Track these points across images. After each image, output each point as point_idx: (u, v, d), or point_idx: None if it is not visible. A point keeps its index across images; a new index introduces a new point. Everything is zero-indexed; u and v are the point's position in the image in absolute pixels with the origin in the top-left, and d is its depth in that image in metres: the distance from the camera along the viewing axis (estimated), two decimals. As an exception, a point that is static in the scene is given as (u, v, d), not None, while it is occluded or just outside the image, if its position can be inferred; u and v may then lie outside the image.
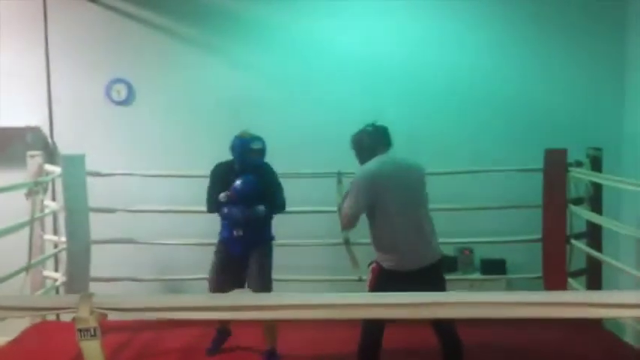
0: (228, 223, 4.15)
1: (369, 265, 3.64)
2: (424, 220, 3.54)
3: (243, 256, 4.13)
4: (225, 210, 4.08)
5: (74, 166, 4.80)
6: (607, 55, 5.56)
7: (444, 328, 3.55)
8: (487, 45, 5.59)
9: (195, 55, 5.69)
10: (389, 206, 3.44)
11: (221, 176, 4.15)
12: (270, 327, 4.18)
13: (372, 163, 3.52)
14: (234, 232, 4.13)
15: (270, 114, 5.56)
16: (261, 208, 4.09)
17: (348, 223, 3.56)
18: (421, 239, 3.48)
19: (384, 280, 3.46)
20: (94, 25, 5.66)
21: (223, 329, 4.39)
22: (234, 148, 4.13)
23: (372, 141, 3.61)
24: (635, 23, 5.42)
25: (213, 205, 4.15)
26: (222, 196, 4.06)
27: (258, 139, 4.13)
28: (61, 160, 4.95)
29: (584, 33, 5.55)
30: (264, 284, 4.09)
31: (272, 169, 4.23)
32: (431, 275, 3.45)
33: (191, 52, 5.69)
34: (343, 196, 3.72)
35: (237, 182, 4.02)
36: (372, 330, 3.50)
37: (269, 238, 4.25)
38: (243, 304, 2.02)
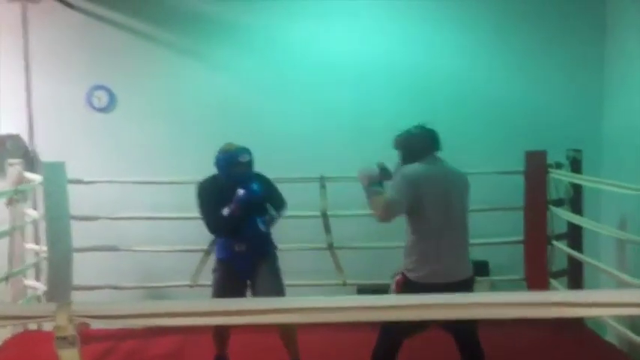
0: (227, 240, 3.87)
1: (393, 276, 3.45)
2: (463, 232, 3.38)
3: (248, 271, 3.85)
4: (241, 192, 3.72)
5: (55, 173, 4.75)
6: (586, 57, 5.62)
7: (465, 335, 3.39)
8: (468, 48, 5.63)
9: (176, 61, 5.67)
10: (428, 212, 3.25)
11: (210, 194, 3.84)
12: (291, 337, 3.91)
13: (418, 165, 3.34)
14: (236, 248, 3.83)
15: (253, 118, 5.56)
16: (274, 213, 3.89)
17: (386, 214, 3.30)
18: (456, 252, 3.32)
19: (409, 293, 3.21)
20: (74, 31, 5.63)
21: (221, 357, 4.09)
22: (218, 164, 3.85)
23: (420, 143, 3.42)
24: (613, 25, 5.49)
25: (218, 224, 3.81)
26: (224, 211, 3.74)
27: (244, 150, 3.85)
28: (41, 167, 4.91)
29: (563, 35, 5.62)
30: (281, 296, 3.76)
31: (264, 176, 3.97)
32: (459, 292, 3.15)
33: (172, 57, 5.67)
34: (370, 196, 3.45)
35: (240, 193, 3.72)
36: (389, 337, 3.33)
37: (273, 248, 3.99)
38: (220, 309, 2.01)
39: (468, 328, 3.32)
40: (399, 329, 3.22)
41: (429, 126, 3.48)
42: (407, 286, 3.30)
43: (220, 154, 3.85)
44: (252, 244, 3.84)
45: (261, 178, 3.93)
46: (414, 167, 3.33)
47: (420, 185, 3.26)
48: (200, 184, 3.95)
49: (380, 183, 3.40)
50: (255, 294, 3.83)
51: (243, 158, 3.81)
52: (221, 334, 3.98)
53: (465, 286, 3.29)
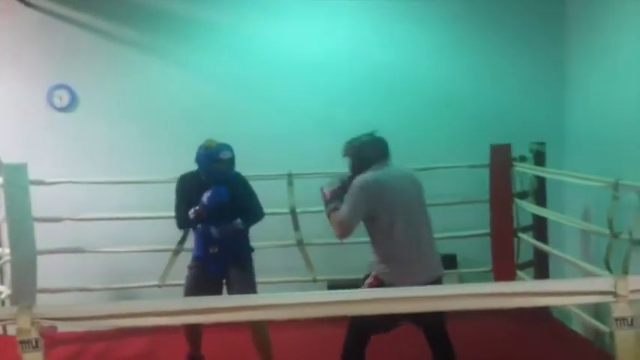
0: (202, 240, 3.84)
1: (365, 278, 3.46)
2: (427, 231, 3.44)
3: (221, 274, 3.83)
4: (200, 227, 3.77)
5: (16, 175, 4.65)
6: (547, 51, 5.72)
7: (433, 328, 3.42)
8: (433, 45, 5.68)
9: (138, 59, 5.60)
10: (388, 217, 3.31)
11: (188, 189, 3.80)
12: (262, 341, 3.87)
13: (371, 174, 3.38)
14: (210, 249, 3.81)
15: (218, 116, 5.52)
16: (238, 221, 3.82)
17: (343, 232, 3.37)
18: (423, 251, 3.37)
19: None
20: (33, 30, 5.51)
21: (195, 356, 4.04)
22: (199, 160, 3.78)
23: (370, 151, 3.45)
24: (574, 19, 5.59)
25: (184, 222, 3.85)
26: (191, 212, 3.72)
27: (226, 147, 3.78)
28: (2, 169, 4.79)
29: (524, 29, 5.70)
30: None
31: (244, 178, 3.94)
32: None
33: (134, 55, 5.59)
34: (326, 204, 3.49)
35: (205, 196, 3.67)
36: (356, 333, 3.35)
37: (248, 252, 3.96)
38: (183, 307, 2.00)
39: (436, 321, 3.33)
40: (366, 325, 3.24)
41: (378, 134, 3.53)
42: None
43: (201, 150, 3.79)
44: (224, 247, 3.82)
45: (240, 179, 3.89)
46: (367, 176, 3.37)
47: (374, 194, 3.32)
48: (180, 177, 3.94)
49: (341, 198, 3.41)
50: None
51: (224, 155, 3.75)
52: (193, 332, 3.94)
53: (439, 283, 3.40)
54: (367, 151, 3.47)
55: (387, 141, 3.53)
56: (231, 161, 3.77)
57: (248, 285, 3.83)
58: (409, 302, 2.24)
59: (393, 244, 3.32)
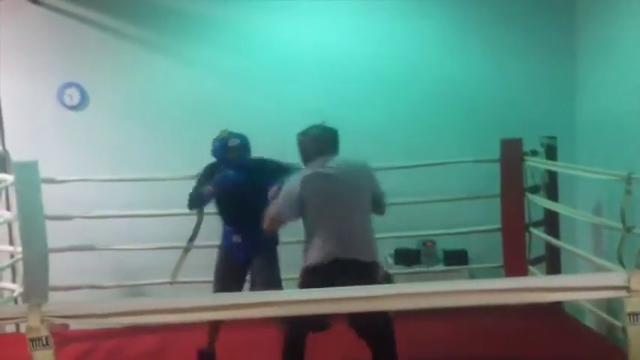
0: (227, 229, 3.93)
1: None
2: (357, 226, 3.34)
3: (245, 263, 3.89)
4: (224, 217, 3.87)
5: (27, 173, 4.67)
6: (558, 44, 5.67)
7: (373, 331, 3.27)
8: (443, 40, 5.64)
9: (148, 57, 5.60)
10: (316, 214, 3.30)
11: (207, 176, 3.91)
12: None
13: (307, 170, 3.37)
14: (233, 239, 3.90)
15: (226, 113, 5.49)
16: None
17: (268, 226, 3.41)
18: (349, 240, 3.27)
19: (308, 279, 3.26)
20: (43, 28, 5.53)
21: (205, 353, 4.08)
22: (214, 151, 3.91)
23: (310, 145, 3.43)
24: (584, 11, 5.54)
25: (194, 200, 3.89)
26: (205, 189, 3.84)
27: (236, 135, 3.88)
28: (13, 167, 4.83)
29: (534, 22, 5.65)
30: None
31: (267, 160, 3.93)
32: (357, 275, 3.12)
33: (144, 53, 5.60)
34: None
35: (216, 177, 3.83)
36: (290, 333, 3.32)
37: (272, 243, 3.93)
38: (194, 305, 2.00)
39: (380, 322, 3.22)
40: (295, 324, 3.22)
41: (326, 125, 3.46)
42: (305, 272, 3.31)
43: (214, 141, 3.92)
44: (248, 237, 3.86)
45: (261, 163, 3.89)
46: (302, 172, 3.38)
47: (303, 190, 3.29)
48: (204, 166, 4.04)
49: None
50: (251, 287, 3.89)
51: (232, 143, 3.85)
52: (214, 326, 3.98)
53: (364, 270, 3.23)
54: (308, 145, 3.45)
55: (333, 132, 3.47)
56: (240, 148, 3.85)
57: (270, 277, 3.83)
58: (417, 299, 2.22)
59: (318, 236, 3.28)
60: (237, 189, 3.78)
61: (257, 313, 2.14)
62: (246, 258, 3.89)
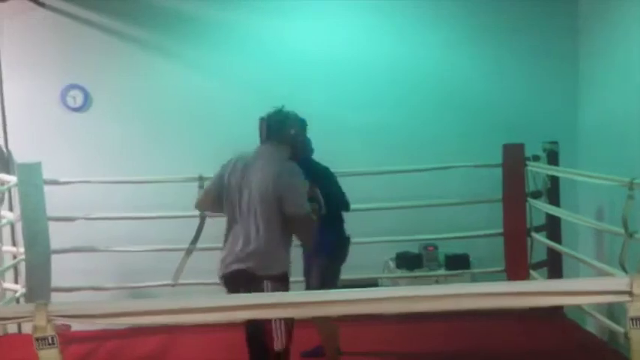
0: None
1: None
2: (255, 229, 3.10)
3: (308, 262, 3.89)
4: None
5: (30, 174, 4.69)
6: (560, 50, 5.67)
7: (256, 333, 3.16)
8: (444, 44, 5.64)
9: (151, 59, 5.61)
10: (227, 206, 3.15)
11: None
12: (326, 334, 3.88)
13: (238, 155, 3.24)
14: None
15: (231, 117, 5.52)
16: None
17: (197, 204, 3.38)
18: (241, 246, 3.10)
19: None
20: (46, 30, 5.54)
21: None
22: (311, 150, 3.86)
23: (261, 129, 3.26)
24: (587, 17, 5.55)
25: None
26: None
27: None
28: (16, 169, 4.84)
29: (536, 27, 5.65)
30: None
31: (322, 173, 3.87)
32: (239, 286, 3.04)
33: (147, 55, 5.61)
34: None
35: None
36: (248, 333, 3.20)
37: (327, 247, 3.80)
38: (196, 306, 2.01)
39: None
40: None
41: (286, 109, 3.29)
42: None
43: (309, 140, 3.82)
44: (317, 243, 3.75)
45: (314, 169, 3.73)
46: (232, 158, 3.26)
47: (223, 177, 3.19)
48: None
49: None
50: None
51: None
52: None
53: (244, 280, 3.07)
54: (260, 128, 3.30)
55: (275, 120, 3.23)
56: None
57: (317, 276, 3.80)
58: (419, 302, 2.23)
59: (227, 233, 3.20)
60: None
61: (261, 314, 2.15)
62: (307, 257, 3.89)
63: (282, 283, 3.08)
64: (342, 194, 3.97)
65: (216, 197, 3.21)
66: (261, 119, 3.24)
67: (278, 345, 3.02)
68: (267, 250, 3.08)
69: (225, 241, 3.20)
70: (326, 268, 3.87)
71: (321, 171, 3.90)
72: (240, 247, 3.09)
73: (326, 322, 3.83)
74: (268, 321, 2.99)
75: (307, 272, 3.94)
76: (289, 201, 3.05)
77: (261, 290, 3.01)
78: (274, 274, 3.07)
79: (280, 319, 2.98)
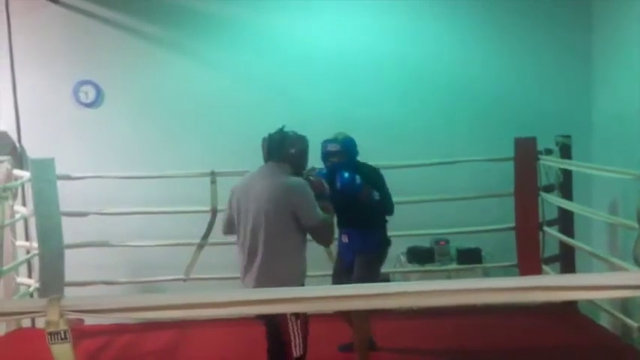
0: (338, 230, 3.89)
1: None
2: (263, 248, 3.14)
3: (351, 262, 3.92)
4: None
5: (43, 170, 4.72)
6: (574, 43, 5.63)
7: (272, 327, 3.23)
8: (456, 38, 5.62)
9: (163, 55, 5.62)
10: (237, 226, 3.26)
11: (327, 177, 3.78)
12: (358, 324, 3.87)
13: (246, 175, 3.37)
14: (342, 239, 3.96)
15: (241, 112, 5.54)
16: (376, 194, 3.79)
17: (223, 231, 3.45)
18: (251, 269, 3.18)
19: None
20: (59, 26, 5.57)
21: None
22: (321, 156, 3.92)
23: (264, 150, 3.35)
24: (601, 10, 5.50)
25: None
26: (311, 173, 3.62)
27: (334, 140, 3.89)
28: (29, 164, 4.87)
29: (551, 22, 5.61)
30: None
31: (369, 171, 3.91)
32: None
33: (159, 51, 5.62)
34: None
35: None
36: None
37: (373, 245, 3.91)
38: (209, 301, 2.01)
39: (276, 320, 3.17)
40: None
41: (287, 129, 3.32)
42: None
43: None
44: (353, 237, 3.91)
45: (362, 170, 3.85)
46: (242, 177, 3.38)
47: (232, 201, 3.30)
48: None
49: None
50: None
51: (331, 147, 3.86)
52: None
53: None
54: (263, 149, 3.37)
55: (274, 140, 3.27)
56: (338, 154, 3.85)
57: (362, 277, 3.77)
58: (431, 297, 2.21)
59: (240, 255, 3.27)
60: (341, 192, 3.74)
61: (273, 309, 2.15)
62: (350, 258, 3.93)
63: None
64: (389, 196, 3.97)
65: (231, 221, 3.32)
66: (263, 140, 3.36)
67: (297, 352, 3.11)
68: (277, 266, 3.15)
69: (241, 260, 3.27)
70: (368, 267, 3.87)
71: (371, 172, 3.94)
72: (253, 268, 3.17)
73: (359, 316, 3.83)
74: (286, 330, 3.09)
75: (345, 271, 3.93)
76: (303, 214, 3.13)
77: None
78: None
79: (298, 327, 3.09)
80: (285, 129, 3.31)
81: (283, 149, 3.26)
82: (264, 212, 3.12)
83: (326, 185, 3.45)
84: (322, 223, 3.18)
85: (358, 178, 3.76)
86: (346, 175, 3.75)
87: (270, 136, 3.31)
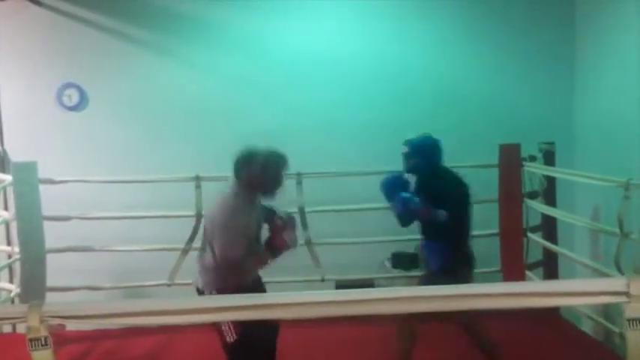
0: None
1: None
2: (201, 254, 3.36)
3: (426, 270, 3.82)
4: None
5: (26, 173, 4.68)
6: (557, 51, 5.68)
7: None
8: (440, 44, 5.65)
9: (149, 58, 5.60)
10: None
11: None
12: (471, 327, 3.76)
13: None
14: (421, 247, 3.84)
15: (227, 115, 5.53)
16: (442, 212, 3.49)
17: None
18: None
19: None
20: (42, 29, 5.53)
21: None
22: None
23: None
24: (583, 18, 5.56)
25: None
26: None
27: (409, 141, 3.70)
28: (11, 167, 4.82)
29: (533, 28, 5.66)
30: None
31: (443, 178, 3.66)
32: None
33: (144, 54, 5.60)
34: None
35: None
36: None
37: (437, 262, 3.62)
38: (192, 306, 2.00)
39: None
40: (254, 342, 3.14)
41: (253, 146, 3.29)
42: None
43: None
44: (425, 246, 3.79)
45: (435, 181, 3.62)
46: None
47: None
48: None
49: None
50: None
51: (403, 149, 3.69)
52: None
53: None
54: None
55: (235, 160, 3.24)
56: (410, 156, 3.67)
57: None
58: (415, 302, 2.22)
59: None
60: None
61: (254, 315, 2.14)
62: (426, 266, 3.82)
63: None
64: (457, 216, 3.59)
65: None
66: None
67: (230, 338, 3.13)
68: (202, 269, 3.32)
69: None
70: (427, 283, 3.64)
71: (445, 184, 3.64)
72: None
73: (405, 322, 3.67)
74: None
75: (424, 277, 3.84)
76: (217, 242, 3.17)
77: None
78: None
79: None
80: (250, 147, 3.22)
81: (238, 169, 3.20)
82: (207, 227, 3.28)
83: (291, 234, 3.32)
84: (232, 261, 3.11)
85: (414, 200, 3.53)
86: (403, 195, 3.57)
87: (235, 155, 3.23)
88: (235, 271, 3.17)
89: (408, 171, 3.72)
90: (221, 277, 3.20)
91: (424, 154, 3.66)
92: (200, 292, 3.32)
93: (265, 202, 3.33)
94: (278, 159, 3.24)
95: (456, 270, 3.57)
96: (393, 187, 3.67)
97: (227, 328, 3.12)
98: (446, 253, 3.60)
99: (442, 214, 3.50)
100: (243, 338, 3.11)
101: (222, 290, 3.15)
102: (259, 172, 3.18)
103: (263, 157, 3.21)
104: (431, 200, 3.54)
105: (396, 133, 5.64)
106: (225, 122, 5.47)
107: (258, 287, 3.40)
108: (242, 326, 3.08)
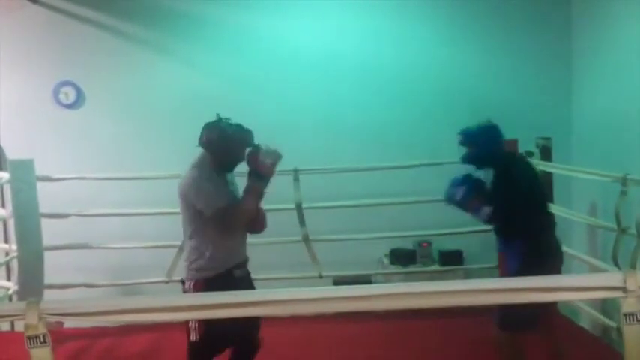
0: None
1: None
2: (185, 237, 3.37)
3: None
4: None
5: (23, 171, 4.67)
6: (554, 46, 5.69)
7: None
8: (438, 41, 5.65)
9: (145, 56, 5.60)
10: None
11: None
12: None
13: None
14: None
15: (224, 114, 5.47)
16: (484, 209, 3.35)
17: None
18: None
19: None
20: (39, 27, 5.52)
21: None
22: None
23: None
24: (581, 13, 5.56)
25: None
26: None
27: (464, 130, 3.56)
28: (8, 165, 4.81)
29: (530, 24, 5.67)
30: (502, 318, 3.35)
31: (499, 169, 3.43)
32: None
33: (140, 52, 5.59)
34: None
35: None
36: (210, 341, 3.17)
37: (513, 256, 3.40)
38: (190, 303, 2.00)
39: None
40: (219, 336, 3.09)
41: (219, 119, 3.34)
42: None
43: None
44: (498, 242, 3.66)
45: (492, 171, 3.43)
46: None
47: None
48: None
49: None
50: None
51: (459, 138, 3.55)
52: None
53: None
54: None
55: (202, 127, 3.37)
56: (466, 144, 3.56)
57: None
58: (413, 298, 2.22)
59: None
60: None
61: (258, 311, 2.15)
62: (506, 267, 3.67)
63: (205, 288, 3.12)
64: (505, 209, 3.37)
65: None
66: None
67: (193, 336, 3.13)
68: (188, 253, 3.30)
69: None
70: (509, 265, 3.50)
71: (499, 176, 3.43)
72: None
73: (508, 342, 3.51)
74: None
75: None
76: (196, 202, 3.18)
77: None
78: (192, 278, 3.23)
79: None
80: (216, 119, 3.29)
81: (201, 138, 3.30)
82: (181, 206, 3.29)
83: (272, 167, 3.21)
84: (223, 210, 3.09)
85: (459, 192, 3.44)
86: (451, 186, 3.52)
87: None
88: (235, 217, 3.14)
89: (466, 160, 3.58)
90: (204, 257, 3.21)
91: (479, 142, 3.52)
92: (183, 284, 3.30)
93: (223, 172, 3.30)
94: (238, 130, 3.31)
95: (527, 264, 3.27)
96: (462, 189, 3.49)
97: (194, 326, 3.12)
98: (521, 246, 3.37)
99: (485, 212, 3.37)
100: (206, 338, 3.10)
101: (203, 269, 3.19)
102: (221, 143, 3.25)
103: (223, 127, 3.29)
104: (498, 194, 3.36)
105: (394, 130, 5.72)
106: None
107: (246, 283, 3.32)
108: (206, 326, 3.05)
